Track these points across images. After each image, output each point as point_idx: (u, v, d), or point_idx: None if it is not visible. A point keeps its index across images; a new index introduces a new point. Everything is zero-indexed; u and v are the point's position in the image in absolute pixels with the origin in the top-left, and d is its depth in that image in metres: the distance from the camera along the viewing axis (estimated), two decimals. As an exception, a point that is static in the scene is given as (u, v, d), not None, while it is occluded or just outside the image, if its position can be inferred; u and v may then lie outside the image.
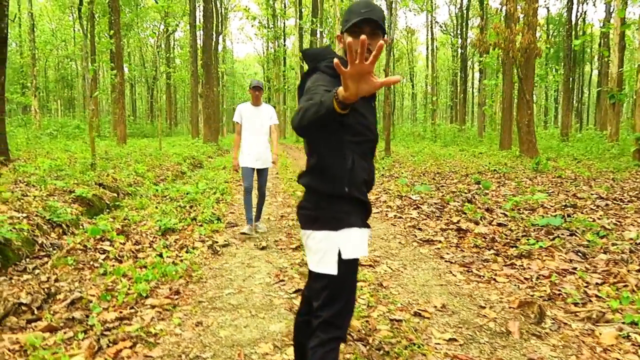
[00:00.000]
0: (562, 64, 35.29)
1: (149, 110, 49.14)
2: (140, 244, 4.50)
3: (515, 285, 3.08)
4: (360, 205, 1.59)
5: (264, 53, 52.10)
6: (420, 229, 4.72)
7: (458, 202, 6.25)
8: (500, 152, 17.57)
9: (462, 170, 10.97)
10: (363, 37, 1.10)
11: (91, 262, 3.96)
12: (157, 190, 7.84)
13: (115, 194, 8.13)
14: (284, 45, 41.78)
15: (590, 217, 5.35)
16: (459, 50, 41.17)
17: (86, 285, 3.39)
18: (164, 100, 47.41)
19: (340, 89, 1.19)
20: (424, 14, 39.47)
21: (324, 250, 1.51)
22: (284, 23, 40.93)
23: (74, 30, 42.91)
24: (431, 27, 42.61)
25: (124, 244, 4.51)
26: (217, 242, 4.26)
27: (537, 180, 8.85)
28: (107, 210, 7.24)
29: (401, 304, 2.79)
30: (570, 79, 28.21)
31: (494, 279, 3.18)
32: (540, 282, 3.06)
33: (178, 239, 4.50)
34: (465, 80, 38.68)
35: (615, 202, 6.30)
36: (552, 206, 6.01)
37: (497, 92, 29.97)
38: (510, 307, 2.68)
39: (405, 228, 4.85)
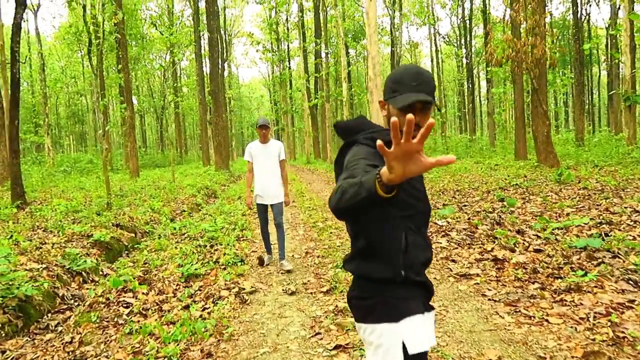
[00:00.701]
0: (571, 67, 35.04)
1: (159, 139, 49.61)
2: (164, 293, 4.34)
3: (571, 327, 2.84)
4: (421, 288, 1.40)
5: (269, 76, 52.54)
6: (454, 261, 4.50)
7: (486, 224, 6.02)
8: (517, 163, 17.26)
9: (482, 185, 10.72)
10: (410, 116, 0.93)
11: (115, 318, 3.80)
12: (174, 228, 7.71)
13: (133, 234, 8.03)
14: (289, 67, 42.07)
15: (630, 235, 5.09)
16: (464, 61, 41.15)
17: (112, 347, 3.22)
18: (173, 129, 47.86)
19: (384, 169, 1.02)
20: (426, 27, 39.56)
21: (387, 346, 1.32)
22: (288, 45, 41.25)
23: (83, 66, 43.74)
24: (435, 40, 42.67)
25: (147, 294, 4.35)
26: (244, 289, 4.08)
27: (563, 193, 8.57)
28: (126, 251, 7.13)
29: (453, 359, 2.57)
30: (581, 82, 27.92)
31: (546, 320, 2.95)
32: (598, 323, 2.82)
33: (202, 287, 4.32)
34: (473, 90, 38.54)
35: (652, 215, 6.03)
36: (586, 224, 5.75)
37: (507, 100, 29.75)
38: (572, 357, 2.46)
39: (437, 260, 4.63)
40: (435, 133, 42.89)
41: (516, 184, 10.21)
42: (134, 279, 4.75)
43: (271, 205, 5.01)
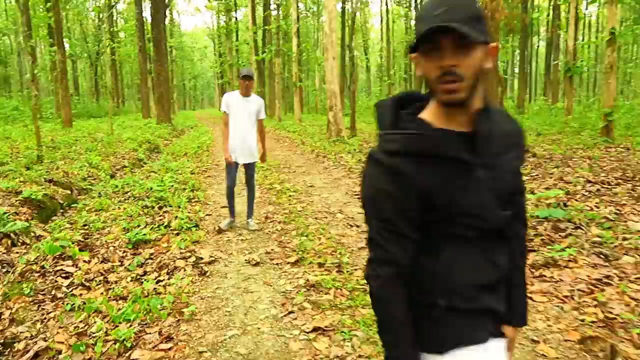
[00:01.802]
0: (513, 36, 35.82)
1: (93, 88, 46.40)
2: (109, 261, 3.89)
3: (557, 305, 2.74)
4: (480, 315, 1.02)
5: (213, 26, 50.05)
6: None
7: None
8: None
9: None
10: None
11: (53, 291, 3.34)
12: (116, 186, 7.09)
13: (69, 191, 7.33)
14: (236, 18, 40.13)
15: (587, 206, 5.15)
16: (413, 23, 40.96)
17: (51, 327, 2.79)
18: (108, 77, 44.80)
19: None
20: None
21: None
22: (235, -6, 39.14)
23: (5, 2, 39.59)
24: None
25: (89, 262, 3.88)
26: (201, 258, 3.70)
27: (514, 160, 8.68)
28: (62, 211, 6.48)
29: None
30: (525, 51, 28.59)
31: (531, 298, 2.83)
32: (584, 302, 2.73)
33: (154, 255, 3.91)
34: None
35: (604, 186, 6.17)
36: (555, 196, 5.80)
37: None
38: (566, 341, 2.34)
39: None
40: (382, 95, 42.94)
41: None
42: (72, 244, 4.23)
43: (246, 164, 4.71)
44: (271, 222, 4.86)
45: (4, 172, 7.54)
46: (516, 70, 39.11)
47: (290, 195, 6.02)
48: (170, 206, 5.52)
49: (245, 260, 3.68)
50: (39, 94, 28.89)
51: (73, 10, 37.79)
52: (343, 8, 31.91)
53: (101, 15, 37.32)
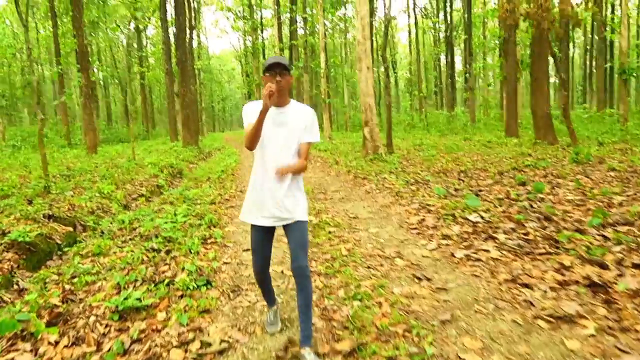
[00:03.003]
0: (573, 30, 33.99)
1: (124, 113, 46.75)
2: (83, 341, 2.76)
3: None
4: None
5: (241, 47, 49.96)
6: (527, 286, 3.03)
7: (532, 219, 4.59)
8: (510, 140, 16.03)
9: (488, 165, 9.34)
10: None
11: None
12: (123, 221, 6.02)
13: (72, 228, 6.32)
14: (262, 37, 39.76)
15: None
16: (442, 34, 39.67)
17: None
18: (139, 102, 45.00)
19: None
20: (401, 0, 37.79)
21: None
22: (261, 13, 38.85)
23: (37, 32, 40.43)
24: (414, 12, 41.03)
25: (55, 343, 2.76)
26: (209, 344, 2.50)
27: (595, 177, 7.24)
28: (60, 252, 5.44)
29: None
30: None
31: None
32: None
33: (145, 334, 2.73)
34: (452, 65, 37.29)
35: None
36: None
37: (495, 74, 28.53)
38: None
39: (499, 283, 3.15)
40: (412, 109, 41.56)
41: (530, 165, 8.85)
42: (44, 312, 3.12)
43: (287, 227, 2.55)
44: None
45: (2, 207, 6.61)
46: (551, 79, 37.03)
47: (330, 232, 4.77)
48: (179, 248, 4.37)
49: (275, 352, 2.43)
50: (46, 117, 28.69)
51: (104, 37, 38.17)
52: (371, 22, 30.95)
53: (129, 41, 37.64)
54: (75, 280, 3.95)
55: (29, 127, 37.56)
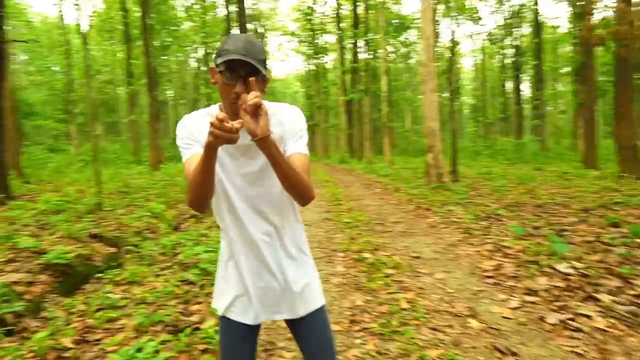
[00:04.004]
0: None
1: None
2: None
3: None
4: None
5: (303, 71, 50.51)
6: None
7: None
8: (589, 172, 14.59)
9: (569, 201, 8.28)
10: None
11: None
12: (164, 245, 5.66)
13: (115, 249, 6.05)
14: (324, 60, 39.91)
15: None
16: (509, 59, 38.03)
17: None
18: (205, 122, 46.23)
19: None
20: (467, 24, 36.70)
21: None
22: (324, 38, 39.09)
23: (114, 54, 42.84)
24: (479, 38, 39.82)
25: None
26: None
27: None
28: (99, 274, 5.12)
29: None
30: None
31: None
32: None
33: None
34: (519, 90, 35.66)
35: None
36: None
37: (568, 100, 26.79)
38: None
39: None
40: (476, 136, 39.91)
41: (621, 202, 7.73)
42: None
43: (292, 323, 1.61)
44: (359, 331, 2.97)
45: (51, 224, 6.47)
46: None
47: (387, 276, 4.10)
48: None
49: None
50: (136, 133, 29.99)
51: (172, 59, 39.79)
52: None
53: (199, 64, 38.97)
54: (100, 314, 3.54)
55: (104, 144, 39.53)
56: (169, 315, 3.30)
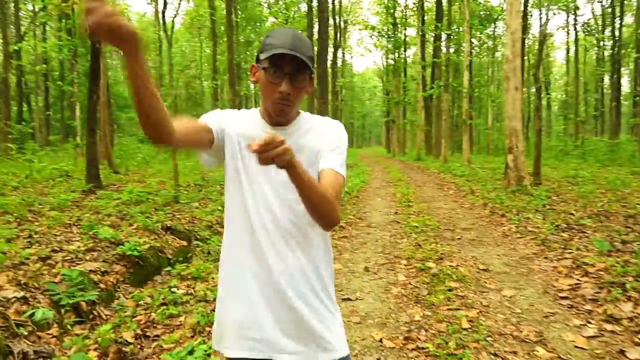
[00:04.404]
0: None
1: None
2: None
3: None
4: None
5: (383, 65, 49.91)
6: None
7: None
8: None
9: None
10: None
11: None
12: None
13: (187, 242, 6.31)
14: (405, 55, 39.12)
15: None
16: (608, 52, 35.00)
17: None
18: (282, 115, 47.24)
19: None
20: (561, 15, 34.17)
21: None
22: (405, 32, 38.28)
23: (201, 50, 44.91)
24: (574, 28, 37.03)
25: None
26: None
27: None
28: (169, 267, 5.36)
29: None
30: None
31: None
32: None
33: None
34: (619, 86, 32.73)
35: None
36: None
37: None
38: None
39: None
40: (565, 135, 37.22)
41: None
42: (104, 355, 2.82)
43: None
44: (413, 350, 2.81)
45: (130, 214, 6.85)
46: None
47: (450, 289, 3.87)
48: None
49: None
50: None
51: (252, 54, 40.94)
52: (523, 40, 28.53)
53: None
54: (162, 309, 3.67)
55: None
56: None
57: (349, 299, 3.68)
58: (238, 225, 1.36)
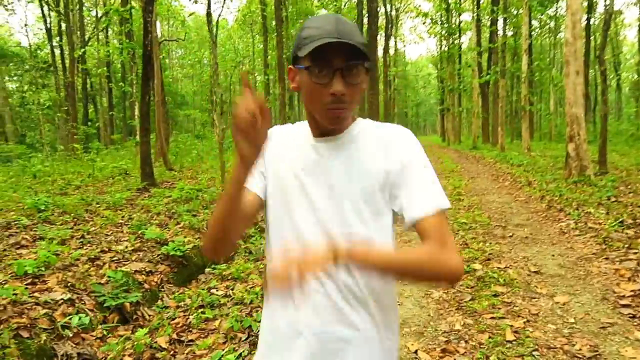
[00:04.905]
0: None
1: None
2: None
3: None
4: None
5: (437, 52, 48.53)
6: None
7: None
8: None
9: None
10: None
11: None
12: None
13: (231, 241, 6.33)
14: (459, 41, 37.77)
15: None
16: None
17: None
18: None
19: None
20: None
21: None
22: (459, 17, 36.97)
23: (253, 46, 45.59)
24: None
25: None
26: None
27: None
28: (212, 266, 5.40)
29: None
30: None
31: None
32: None
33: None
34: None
35: None
36: None
37: None
38: None
39: None
40: (638, 118, 34.61)
41: None
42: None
43: None
44: (450, 362, 2.62)
45: (178, 213, 7.00)
46: None
47: (495, 294, 3.62)
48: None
49: None
50: (226, 127, 31.59)
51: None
52: (588, 19, 26.74)
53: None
54: (199, 311, 3.68)
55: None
56: (258, 321, 3.30)
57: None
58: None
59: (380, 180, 1.03)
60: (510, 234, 5.64)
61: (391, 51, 43.07)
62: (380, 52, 36.48)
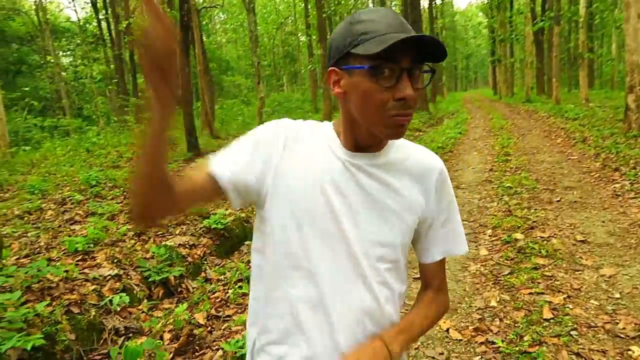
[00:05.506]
0: None
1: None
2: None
3: None
4: None
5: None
6: None
7: None
8: None
9: None
10: None
11: None
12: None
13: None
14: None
15: None
16: None
17: None
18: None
19: None
20: None
21: None
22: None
23: (295, 6, 44.81)
24: None
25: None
26: None
27: None
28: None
29: None
30: None
31: None
32: None
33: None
34: None
35: None
36: None
37: None
38: None
39: None
40: None
41: None
42: (176, 339, 2.96)
43: None
44: (481, 344, 2.56)
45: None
46: None
47: (536, 267, 3.47)
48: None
49: None
50: (266, 93, 31.39)
51: (344, 8, 39.92)
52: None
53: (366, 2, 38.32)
54: (237, 286, 3.78)
55: (287, 93, 42.43)
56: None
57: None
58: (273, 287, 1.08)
59: (416, 219, 0.97)
60: (558, 199, 5.36)
61: (437, 1, 41.12)
62: (425, 3, 34.92)
